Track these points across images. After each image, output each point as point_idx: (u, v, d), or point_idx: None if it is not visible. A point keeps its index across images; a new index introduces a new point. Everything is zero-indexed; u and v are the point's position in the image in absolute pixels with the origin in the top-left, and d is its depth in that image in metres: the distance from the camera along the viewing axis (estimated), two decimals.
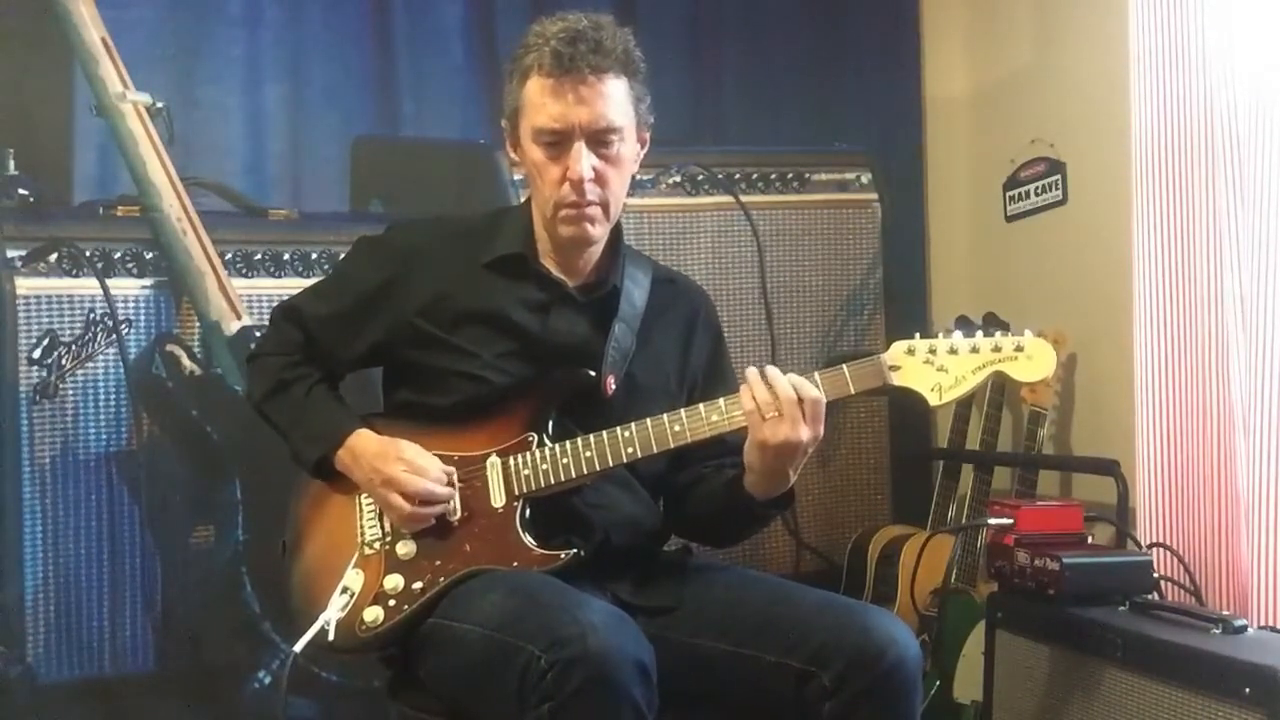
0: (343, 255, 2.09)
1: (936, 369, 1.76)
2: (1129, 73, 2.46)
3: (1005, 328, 1.88)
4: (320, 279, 2.12)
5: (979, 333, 1.78)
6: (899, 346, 1.78)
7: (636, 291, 1.94)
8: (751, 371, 1.73)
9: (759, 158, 3.21)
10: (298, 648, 1.78)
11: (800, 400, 1.69)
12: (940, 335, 1.78)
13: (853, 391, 1.75)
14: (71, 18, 2.68)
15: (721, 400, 1.78)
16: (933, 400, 1.77)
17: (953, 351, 1.76)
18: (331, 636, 1.77)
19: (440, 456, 1.84)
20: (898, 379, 1.76)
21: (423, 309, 1.88)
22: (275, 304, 2.06)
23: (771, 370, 1.73)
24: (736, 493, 1.82)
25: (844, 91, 3.26)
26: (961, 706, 2.69)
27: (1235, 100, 2.24)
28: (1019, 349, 1.77)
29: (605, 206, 1.85)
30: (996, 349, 1.77)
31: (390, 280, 1.91)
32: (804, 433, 1.70)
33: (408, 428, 1.88)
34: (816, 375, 1.75)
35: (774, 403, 1.70)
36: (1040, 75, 3.05)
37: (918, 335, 1.79)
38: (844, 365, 1.76)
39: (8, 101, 2.66)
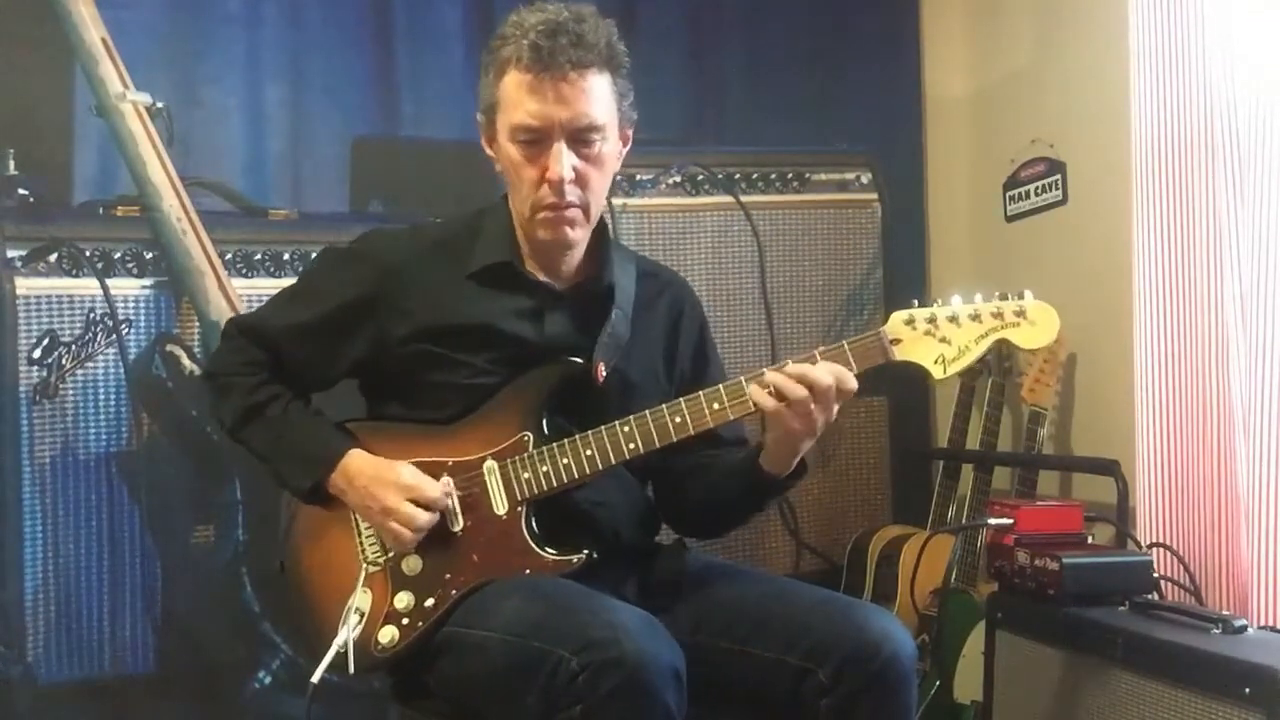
0: (308, 266, 2.02)
1: (939, 340, 1.73)
2: (1129, 73, 2.46)
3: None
4: (283, 290, 2.00)
5: (978, 297, 1.75)
6: (898, 317, 1.74)
7: (626, 284, 1.90)
8: (776, 377, 1.69)
9: (759, 158, 3.21)
10: (315, 678, 1.74)
11: (836, 386, 1.68)
12: (938, 303, 1.75)
13: (855, 369, 1.72)
14: (71, 18, 2.68)
15: (722, 388, 1.74)
16: (937, 373, 1.73)
17: (953, 320, 1.73)
18: (352, 666, 1.74)
19: (434, 464, 1.80)
20: (899, 352, 1.73)
21: (409, 333, 1.82)
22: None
23: (799, 367, 1.69)
24: (752, 473, 1.80)
25: (844, 91, 3.26)
26: (961, 706, 2.69)
27: (1235, 100, 2.24)
28: (1020, 313, 1.74)
29: (585, 208, 1.80)
30: (997, 314, 1.74)
31: (368, 298, 1.84)
32: (834, 412, 1.70)
33: (397, 434, 1.84)
34: (817, 354, 1.72)
35: (809, 398, 1.67)
36: (1040, 75, 3.04)
37: (915, 303, 1.75)
38: (844, 342, 1.72)
39: (8, 101, 2.66)
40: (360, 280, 1.86)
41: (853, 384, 1.70)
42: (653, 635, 1.55)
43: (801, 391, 1.67)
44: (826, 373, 1.68)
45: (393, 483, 1.77)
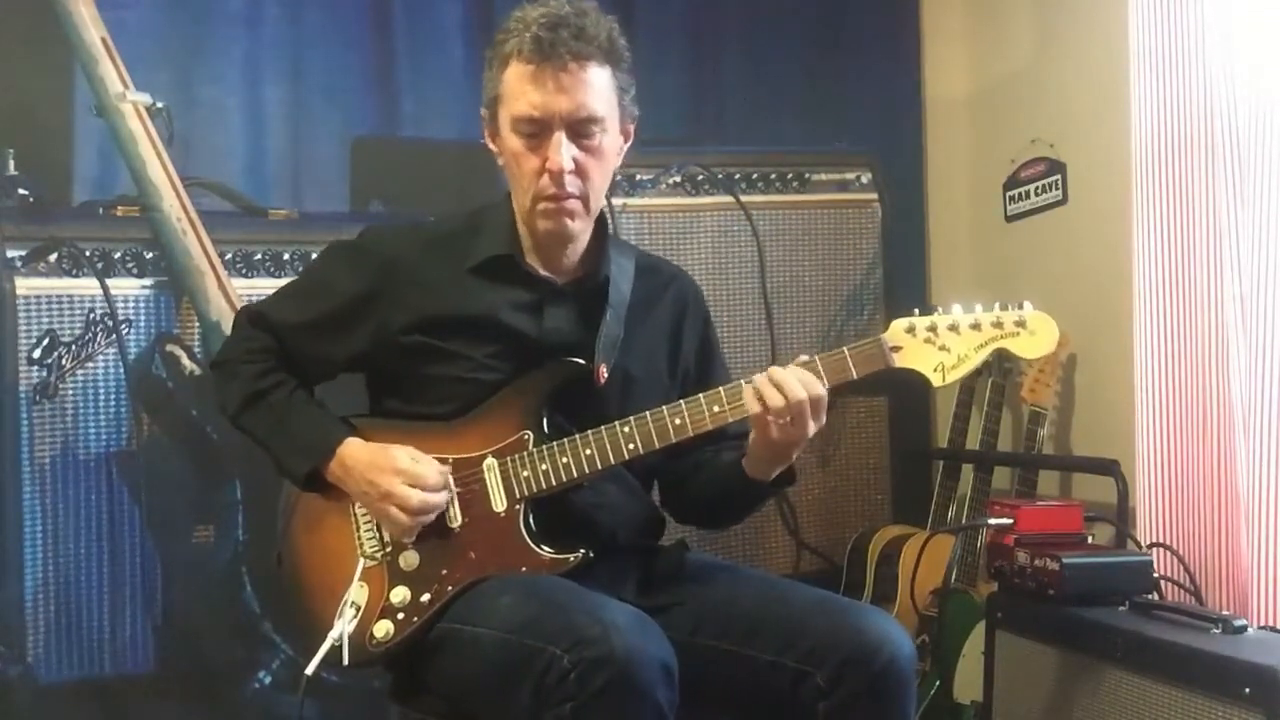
0: (314, 259, 2.03)
1: (939, 348, 1.74)
2: (1129, 73, 2.46)
3: None
4: (290, 282, 2.04)
5: (978, 307, 1.76)
6: (899, 325, 1.75)
7: (623, 280, 1.91)
8: (760, 379, 1.70)
9: (759, 158, 3.21)
10: (309, 670, 1.75)
11: (810, 400, 1.69)
12: (939, 311, 1.76)
13: (855, 376, 1.73)
14: (71, 18, 2.68)
15: (722, 390, 1.75)
16: (936, 381, 1.75)
17: (953, 329, 1.74)
18: (347, 659, 1.75)
19: (435, 460, 1.80)
20: (900, 360, 1.74)
21: (409, 324, 1.83)
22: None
23: (779, 374, 1.70)
24: (740, 477, 1.81)
25: (844, 91, 3.26)
26: (961, 706, 2.69)
27: (1235, 100, 2.24)
28: (1020, 323, 1.75)
29: (585, 200, 1.81)
30: (997, 324, 1.75)
31: (371, 291, 1.86)
32: (811, 428, 1.71)
33: (397, 430, 1.84)
34: (818, 360, 1.73)
35: (785, 409, 1.68)
36: (1040, 75, 3.05)
37: (916, 311, 1.77)
38: (845, 349, 1.74)
39: (8, 101, 2.66)
40: (362, 274, 1.88)
41: (820, 390, 1.70)
42: (643, 632, 1.56)
43: (778, 399, 1.68)
44: (799, 384, 1.69)
45: (391, 468, 1.78)
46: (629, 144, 1.90)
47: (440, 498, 1.78)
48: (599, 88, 1.78)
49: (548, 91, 1.75)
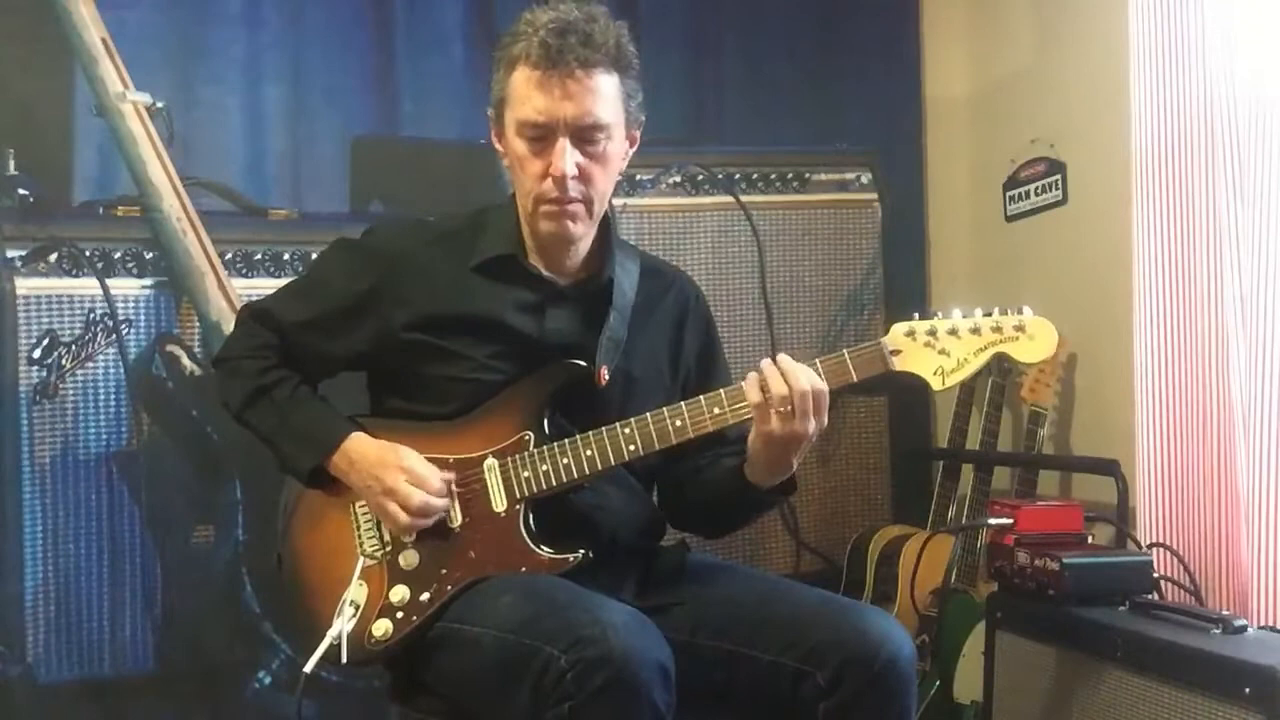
0: (318, 256, 2.04)
1: (938, 352, 1.75)
2: (1129, 73, 2.46)
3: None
4: (293, 280, 2.05)
5: (978, 311, 1.77)
6: (899, 329, 1.76)
7: (627, 282, 1.91)
8: (767, 364, 1.71)
9: (759, 158, 3.21)
10: (308, 667, 1.75)
11: (812, 394, 1.69)
12: (938, 315, 1.76)
13: (855, 379, 1.73)
14: (71, 18, 2.68)
15: (723, 392, 1.76)
16: (935, 385, 1.76)
17: (953, 333, 1.75)
18: (345, 657, 1.75)
19: (435, 459, 1.81)
20: (899, 363, 1.74)
21: (411, 321, 1.84)
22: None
23: (786, 363, 1.70)
24: (739, 481, 1.81)
25: (844, 91, 3.26)
26: (961, 706, 2.69)
27: (1235, 100, 2.24)
28: (1019, 328, 1.75)
29: (589, 204, 1.81)
30: (997, 329, 1.75)
31: (374, 288, 1.86)
32: (811, 426, 1.70)
33: (399, 429, 1.85)
34: (818, 363, 1.73)
35: (788, 397, 1.68)
36: (1040, 75, 3.05)
37: (916, 316, 1.77)
38: (845, 351, 1.74)
39: (8, 101, 2.66)
40: (365, 272, 1.88)
41: (822, 385, 1.71)
42: (641, 633, 1.56)
43: (781, 385, 1.68)
44: (803, 374, 1.69)
45: (396, 465, 1.79)
46: (634, 148, 1.90)
47: (441, 503, 1.79)
48: (605, 95, 1.78)
49: (554, 98, 1.75)
